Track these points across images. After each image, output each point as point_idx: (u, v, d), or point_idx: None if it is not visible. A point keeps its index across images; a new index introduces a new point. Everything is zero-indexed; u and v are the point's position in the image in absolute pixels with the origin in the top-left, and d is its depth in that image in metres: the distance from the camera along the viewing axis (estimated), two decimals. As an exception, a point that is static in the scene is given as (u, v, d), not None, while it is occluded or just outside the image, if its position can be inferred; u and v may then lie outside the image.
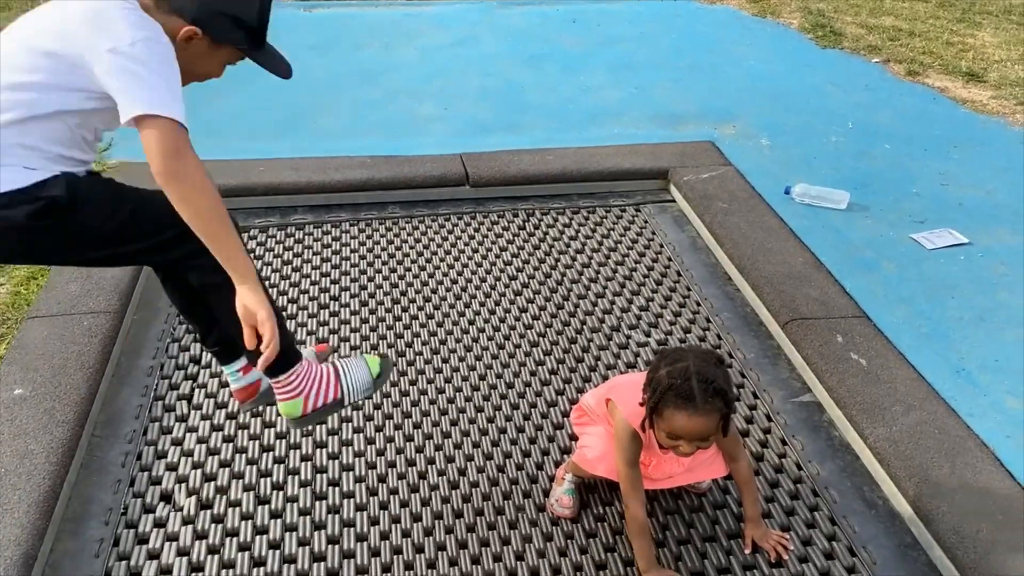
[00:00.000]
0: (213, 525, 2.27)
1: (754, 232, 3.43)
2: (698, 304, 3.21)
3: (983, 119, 4.54)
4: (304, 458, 2.48)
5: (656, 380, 1.98)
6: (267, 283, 2.95)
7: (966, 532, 2.13)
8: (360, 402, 2.65)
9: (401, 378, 2.80)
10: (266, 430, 2.57)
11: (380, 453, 2.51)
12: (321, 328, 3.02)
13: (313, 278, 3.27)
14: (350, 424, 2.60)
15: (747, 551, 2.21)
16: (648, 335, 3.04)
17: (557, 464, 2.48)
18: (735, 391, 2.00)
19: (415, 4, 6.21)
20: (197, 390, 2.70)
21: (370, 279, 3.31)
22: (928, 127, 4.43)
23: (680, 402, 1.91)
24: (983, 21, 6.13)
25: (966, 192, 3.78)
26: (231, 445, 2.52)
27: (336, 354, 2.87)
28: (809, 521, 2.32)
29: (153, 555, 2.18)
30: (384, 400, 2.70)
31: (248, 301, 1.74)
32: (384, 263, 3.41)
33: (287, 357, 1.95)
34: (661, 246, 3.57)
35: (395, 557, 2.20)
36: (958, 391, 2.62)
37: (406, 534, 2.27)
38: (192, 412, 2.62)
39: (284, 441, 2.54)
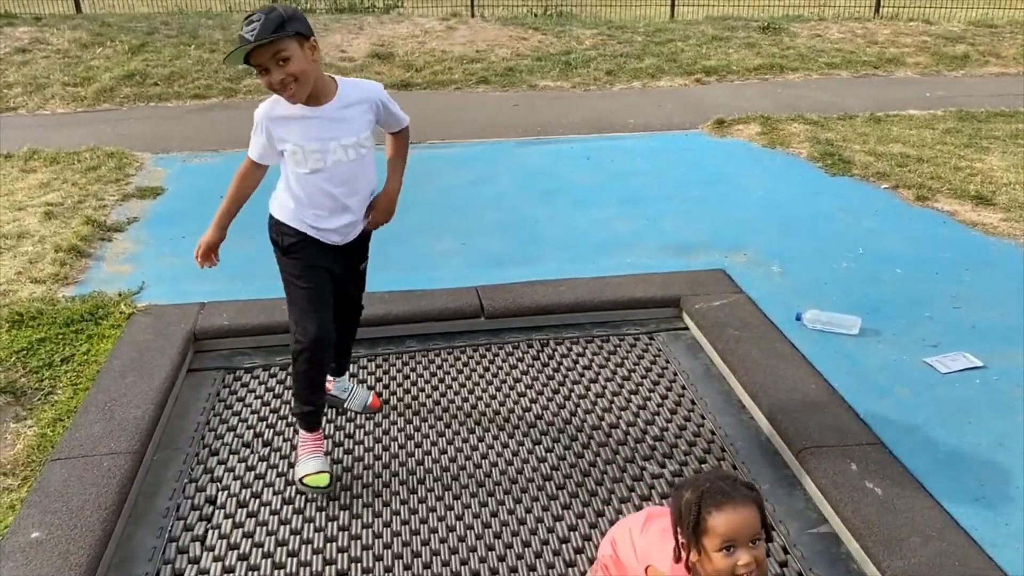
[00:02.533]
0: (219, 671, 2.24)
1: (766, 359, 3.45)
2: (712, 433, 3.20)
3: (994, 241, 4.59)
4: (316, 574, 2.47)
5: (686, 504, 1.90)
6: (252, 432, 3.25)
7: (993, 673, 2.04)
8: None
9: (412, 516, 2.79)
10: (276, 571, 2.57)
11: (416, 554, 2.51)
12: (335, 466, 3.04)
13: (329, 416, 3.33)
14: (370, 552, 2.59)
15: None
16: (663, 466, 3.02)
17: (568, 603, 2.43)
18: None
19: (437, 145, 6.52)
20: (211, 531, 2.72)
21: (385, 416, 3.35)
22: (939, 251, 4.48)
23: (718, 500, 1.85)
24: (990, 146, 6.27)
25: (979, 315, 3.79)
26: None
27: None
28: (830, 662, 2.23)
29: None
30: (394, 539, 2.68)
31: None
32: (400, 399, 3.47)
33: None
34: (675, 374, 3.59)
35: None
36: (979, 520, 2.55)
37: None
38: (204, 554, 2.63)
39: (295, 560, 2.53)
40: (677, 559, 1.90)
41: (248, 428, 3.25)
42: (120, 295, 4.00)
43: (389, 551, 2.64)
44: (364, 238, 2.97)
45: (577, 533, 2.71)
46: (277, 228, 2.79)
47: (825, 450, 2.88)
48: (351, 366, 3.47)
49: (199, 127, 7.18)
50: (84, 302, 3.93)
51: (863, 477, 2.72)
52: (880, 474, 2.74)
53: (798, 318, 3.74)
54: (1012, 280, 4.12)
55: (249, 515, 2.80)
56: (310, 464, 2.88)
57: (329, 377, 3.19)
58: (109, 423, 3.04)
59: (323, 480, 2.84)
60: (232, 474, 2.98)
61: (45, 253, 4.45)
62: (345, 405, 3.29)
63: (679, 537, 1.91)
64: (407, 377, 3.62)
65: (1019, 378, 3.31)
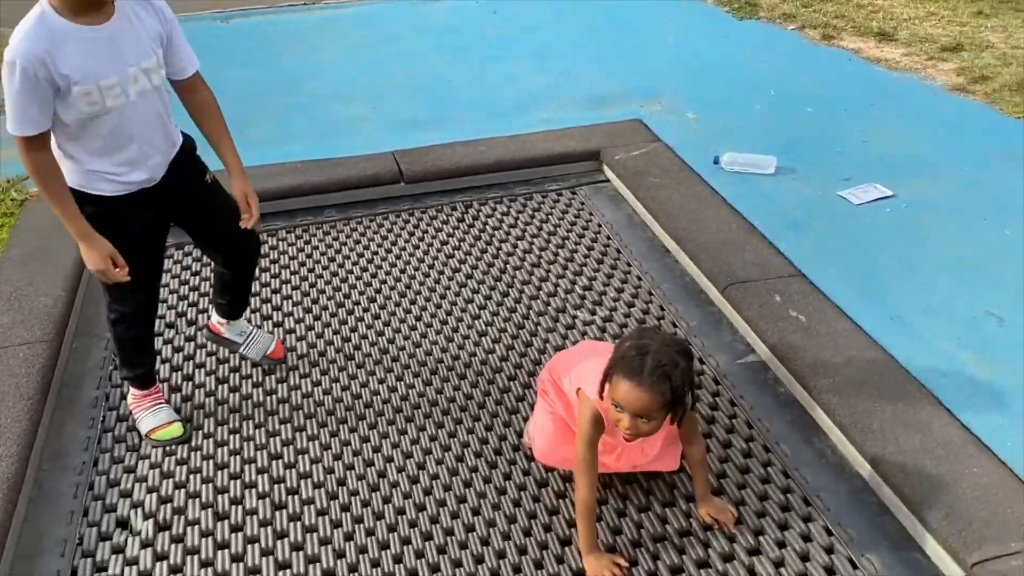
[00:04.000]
0: (173, 545, 2.24)
1: (687, 203, 3.49)
2: (639, 279, 3.26)
3: (897, 76, 4.69)
4: (260, 471, 2.46)
5: (617, 348, 2.05)
6: (175, 312, 3.10)
7: (911, 470, 2.21)
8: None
9: (352, 381, 2.79)
10: (218, 449, 2.54)
11: (337, 458, 2.50)
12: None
13: (253, 289, 3.23)
14: (303, 433, 2.59)
15: (704, 522, 2.25)
16: (593, 313, 3.08)
17: (515, 448, 2.50)
18: (689, 389, 2.02)
19: (333, 6, 6.15)
20: (145, 414, 2.66)
21: (312, 284, 3.28)
22: (846, 88, 4.55)
23: (628, 373, 1.97)
24: (890, -18, 6.30)
25: (887, 147, 3.90)
26: (185, 467, 2.48)
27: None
28: (764, 477, 2.38)
29: (114, 582, 2.14)
30: (336, 405, 2.68)
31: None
32: (324, 267, 3.39)
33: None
34: (599, 226, 3.61)
35: (361, 556, 2.20)
36: (894, 338, 2.71)
37: (370, 532, 2.27)
38: (143, 440, 2.56)
39: (239, 457, 2.51)
40: (599, 394, 2.06)
41: (170, 308, 3.13)
42: (8, 181, 3.72)
43: (332, 417, 2.65)
44: (181, 155, 2.34)
45: (516, 383, 2.76)
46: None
47: (749, 285, 2.97)
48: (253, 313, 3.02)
49: None
50: (-33, 191, 3.64)
51: (786, 307, 2.84)
52: (802, 303, 2.86)
53: (716, 161, 3.77)
54: (916, 112, 4.24)
55: (184, 399, 2.74)
56: (156, 416, 2.55)
57: (221, 319, 2.76)
58: (19, 313, 2.88)
59: (177, 430, 2.54)
60: (159, 357, 2.89)
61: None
62: (241, 351, 2.79)
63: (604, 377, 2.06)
64: (329, 246, 3.53)
65: (926, 204, 3.45)
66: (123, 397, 2.70)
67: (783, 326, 2.76)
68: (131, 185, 2.22)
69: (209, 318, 2.83)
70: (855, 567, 2.12)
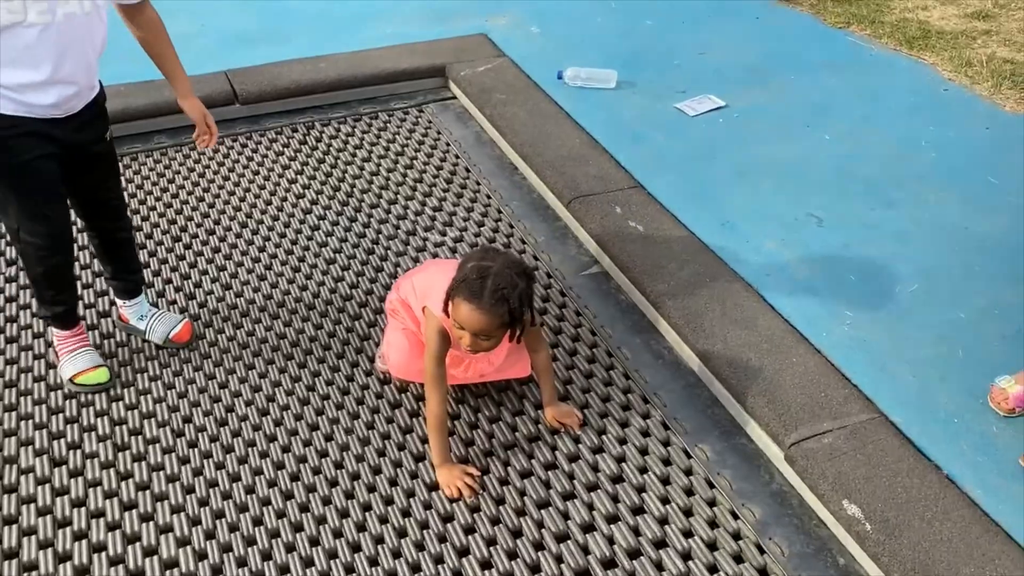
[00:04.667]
0: (6, 496, 2.13)
1: (533, 120, 3.51)
2: (488, 197, 3.28)
3: (734, -12, 4.81)
4: (100, 412, 2.36)
5: (460, 269, 2.09)
6: None
7: (738, 363, 2.37)
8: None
9: (195, 321, 2.69)
10: (52, 393, 2.42)
11: (182, 396, 2.43)
12: (100, 280, 2.82)
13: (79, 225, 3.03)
14: (145, 374, 2.49)
15: (552, 427, 2.35)
16: (444, 234, 3.08)
17: (367, 373, 2.51)
18: (528, 308, 2.09)
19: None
20: None
21: (144, 218, 3.11)
22: (685, 0, 4.63)
23: (468, 295, 2.02)
24: None
25: (722, 60, 4.03)
26: (14, 413, 2.36)
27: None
28: (607, 380, 2.50)
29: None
30: (179, 350, 2.58)
31: None
32: (157, 198, 3.22)
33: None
34: (448, 144, 3.58)
35: (211, 490, 2.17)
36: (725, 241, 2.86)
37: (220, 466, 2.23)
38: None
39: (75, 401, 2.40)
40: (444, 311, 2.11)
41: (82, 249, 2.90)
42: None
43: (176, 357, 2.56)
44: (95, 108, 2.25)
45: (368, 309, 2.75)
46: None
47: (591, 198, 3.04)
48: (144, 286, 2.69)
49: None
50: None
51: (627, 218, 2.93)
52: (640, 213, 2.96)
53: (559, 77, 3.79)
54: (750, 25, 4.39)
55: (8, 340, 2.57)
56: (78, 361, 2.44)
57: (121, 302, 2.60)
58: None
59: (102, 375, 2.43)
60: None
61: None
62: (146, 337, 2.59)
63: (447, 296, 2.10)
64: (161, 175, 3.34)
65: (756, 113, 3.61)
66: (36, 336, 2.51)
67: (623, 236, 2.86)
68: (32, 108, 2.05)
69: (118, 307, 2.63)
70: (689, 456, 2.27)
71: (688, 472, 2.23)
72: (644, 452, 2.29)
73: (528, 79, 3.82)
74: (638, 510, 2.14)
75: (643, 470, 2.23)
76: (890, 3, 4.57)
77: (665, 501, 2.16)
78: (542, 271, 2.90)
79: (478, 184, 3.35)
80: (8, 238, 2.33)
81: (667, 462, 2.26)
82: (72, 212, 2.36)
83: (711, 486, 2.19)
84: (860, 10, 4.46)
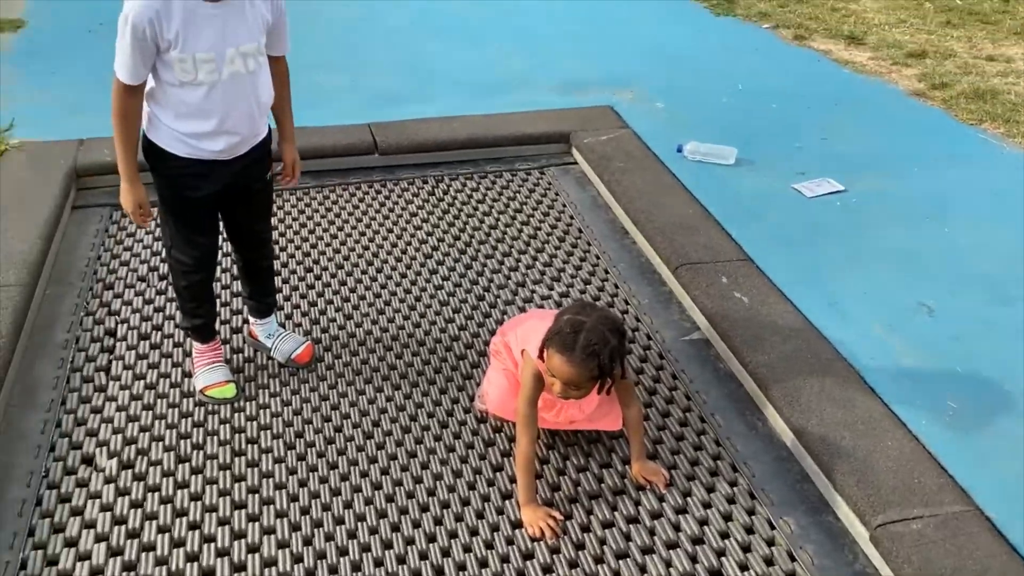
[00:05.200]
0: (135, 483, 2.35)
1: (648, 188, 3.64)
2: (597, 257, 3.40)
3: (862, 78, 4.85)
4: (222, 421, 2.58)
5: (556, 320, 2.23)
6: (147, 266, 2.93)
7: (832, 441, 2.37)
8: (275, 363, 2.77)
9: (316, 345, 2.90)
10: (185, 399, 2.65)
11: (297, 413, 2.62)
12: (236, 300, 3.09)
13: (225, 249, 3.34)
14: (266, 390, 2.70)
15: (638, 482, 2.41)
16: (551, 288, 3.22)
17: (466, 410, 2.64)
18: (619, 364, 2.21)
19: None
20: (115, 362, 2.76)
21: (283, 248, 3.39)
22: (812, 87, 4.71)
23: (561, 347, 2.16)
24: (865, -13, 6.47)
25: (844, 145, 4.06)
26: (151, 412, 2.59)
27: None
28: (697, 444, 2.54)
29: (76, 512, 2.26)
30: (299, 370, 2.79)
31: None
32: (296, 232, 3.50)
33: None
34: (564, 206, 3.75)
35: (313, 501, 2.33)
36: (830, 321, 2.87)
37: (323, 480, 2.40)
38: (111, 383, 2.68)
39: (203, 408, 2.62)
40: (539, 356, 2.25)
41: (142, 263, 3.23)
42: (-13, 134, 3.79)
43: (294, 377, 2.77)
44: (260, 151, 2.49)
45: (473, 350, 2.90)
46: (150, 151, 2.37)
47: (699, 266, 3.12)
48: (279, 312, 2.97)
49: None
50: (-52, 141, 3.71)
51: (732, 289, 2.99)
52: (747, 286, 3.01)
53: (679, 150, 3.92)
54: (875, 113, 4.41)
55: (152, 347, 2.85)
56: (211, 375, 2.65)
57: (253, 320, 2.83)
58: (-6, 258, 2.98)
59: (229, 391, 2.63)
60: (130, 307, 3.00)
61: None
62: (271, 355, 2.80)
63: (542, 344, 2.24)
64: (302, 212, 3.64)
65: (875, 200, 3.62)
66: (93, 340, 2.81)
67: (727, 306, 2.91)
68: (202, 152, 2.33)
69: (250, 323, 2.88)
70: (773, 528, 2.28)
71: (770, 543, 2.24)
72: (728, 518, 2.31)
73: (648, 150, 3.96)
74: (715, 573, 2.16)
75: (724, 535, 2.26)
76: (1028, 102, 4.50)
77: (744, 568, 2.17)
78: (642, 332, 2.98)
79: (589, 245, 3.48)
80: (164, 254, 2.60)
81: (750, 530, 2.27)
82: (221, 237, 2.63)
83: (792, 559, 2.19)
84: (995, 108, 4.41)
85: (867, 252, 3.27)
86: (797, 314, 2.89)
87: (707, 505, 2.35)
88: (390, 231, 3.54)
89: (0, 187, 3.41)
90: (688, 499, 2.36)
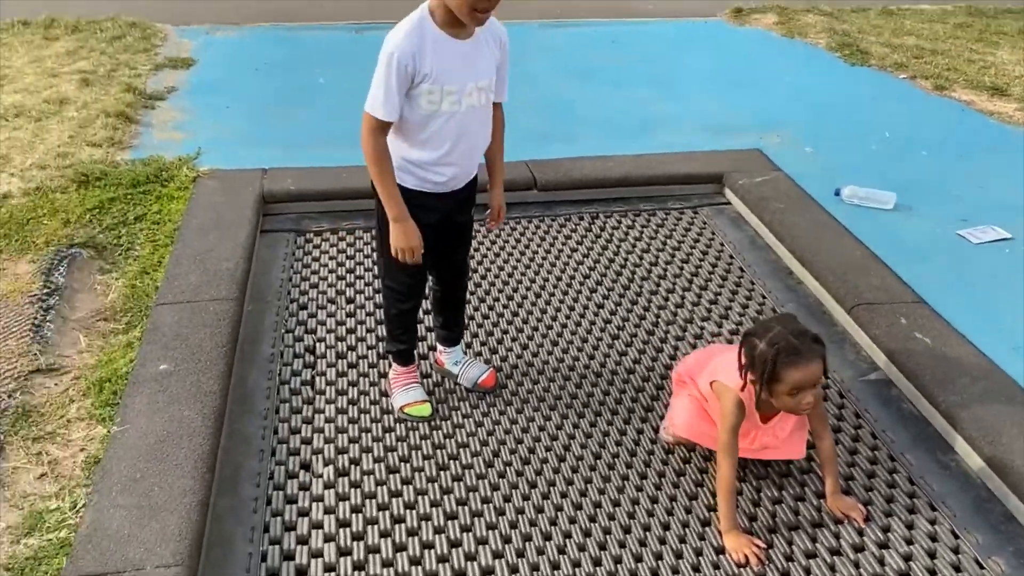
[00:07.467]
0: (352, 490, 2.49)
1: (811, 229, 3.68)
2: (763, 296, 3.46)
3: (1011, 129, 4.83)
4: (423, 436, 2.70)
5: (761, 354, 2.26)
6: (335, 290, 3.29)
7: (1039, 484, 2.36)
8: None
9: (498, 371, 3.02)
10: (385, 415, 2.79)
11: (490, 433, 2.73)
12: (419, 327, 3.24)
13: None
14: (458, 411, 2.82)
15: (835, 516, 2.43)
16: (720, 325, 3.28)
17: (652, 441, 2.71)
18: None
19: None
20: (318, 378, 2.92)
21: (457, 276, 3.54)
22: (961, 136, 4.70)
23: (792, 359, 2.21)
24: (999, 40, 6.44)
25: (1003, 193, 4.05)
26: (356, 425, 2.73)
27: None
28: (890, 482, 2.55)
29: (303, 512, 2.40)
30: (485, 395, 2.90)
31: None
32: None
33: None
34: (722, 245, 3.82)
35: (519, 516, 2.42)
36: (1018, 366, 2.85)
37: (525, 498, 2.49)
38: (316, 396, 2.84)
39: (403, 425, 2.75)
40: (743, 389, 2.30)
41: (329, 286, 3.42)
42: (180, 159, 4.08)
43: (483, 401, 2.88)
44: (469, 191, 2.62)
45: (650, 384, 2.97)
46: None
47: (876, 307, 3.15)
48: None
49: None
50: (146, 165, 4.01)
51: (912, 329, 3.01)
52: (927, 327, 3.03)
53: (837, 193, 3.96)
54: (1028, 163, 4.39)
55: (350, 365, 3.00)
56: (409, 395, 2.80)
57: (441, 347, 2.96)
58: (204, 273, 3.19)
59: (426, 410, 2.77)
60: (324, 327, 3.18)
61: (93, 118, 4.47)
62: (458, 380, 2.93)
63: (748, 375, 2.29)
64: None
65: (1044, 249, 3.60)
66: (295, 356, 2.99)
67: (909, 346, 2.93)
68: (426, 184, 2.46)
69: (436, 351, 3.01)
70: (981, 567, 2.27)
71: (981, 583, 2.23)
72: (932, 555, 2.31)
73: (804, 192, 4.02)
74: (929, 608, 2.17)
75: (932, 572, 2.26)
76: None
77: (958, 605, 2.17)
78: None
79: (752, 284, 3.54)
80: (378, 284, 2.73)
81: (957, 568, 2.27)
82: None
83: (1007, 600, 2.18)
84: None
85: (1044, 300, 3.25)
86: (981, 355, 2.89)
87: (909, 541, 2.35)
88: (553, 264, 3.67)
89: (198, 210, 3.67)
90: (888, 534, 2.37)
